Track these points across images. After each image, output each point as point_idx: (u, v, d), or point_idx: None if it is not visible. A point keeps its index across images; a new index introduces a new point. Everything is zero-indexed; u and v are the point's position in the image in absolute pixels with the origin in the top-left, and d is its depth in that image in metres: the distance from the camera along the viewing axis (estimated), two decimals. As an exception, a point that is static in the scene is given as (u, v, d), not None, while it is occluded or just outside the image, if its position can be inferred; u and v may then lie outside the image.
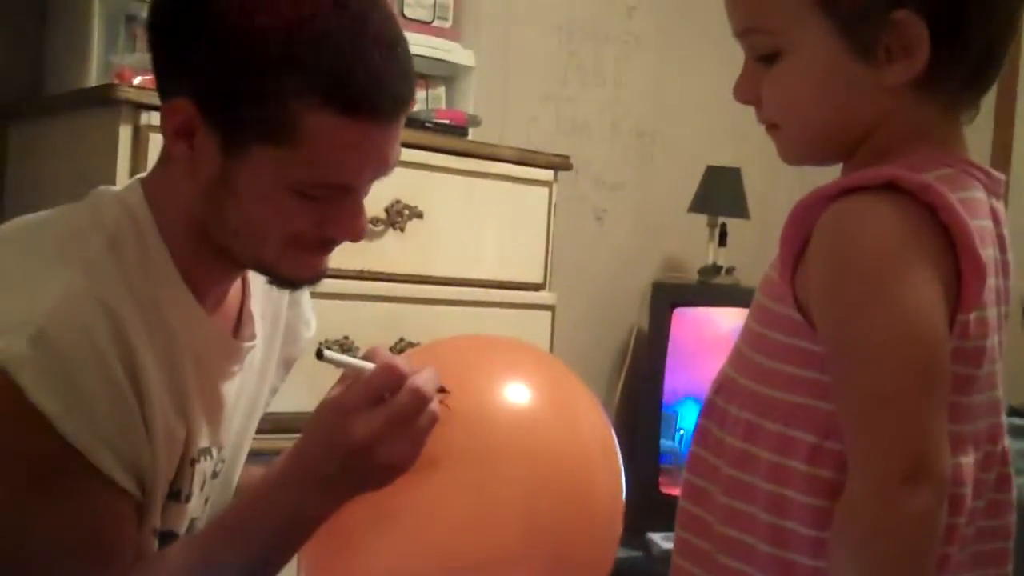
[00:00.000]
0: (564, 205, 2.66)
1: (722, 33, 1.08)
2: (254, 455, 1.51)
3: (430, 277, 2.34)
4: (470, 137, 2.52)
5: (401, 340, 2.23)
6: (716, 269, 3.21)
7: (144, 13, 1.30)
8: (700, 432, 1.10)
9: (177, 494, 1.32)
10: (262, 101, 1.19)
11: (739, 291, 3.09)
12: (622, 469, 1.38)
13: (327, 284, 1.37)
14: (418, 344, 2.11)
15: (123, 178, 1.88)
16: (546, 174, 2.53)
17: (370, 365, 1.25)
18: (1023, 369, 1.69)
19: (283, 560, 1.27)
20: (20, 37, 2.36)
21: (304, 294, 1.53)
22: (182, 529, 1.35)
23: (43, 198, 1.48)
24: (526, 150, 2.57)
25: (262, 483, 1.27)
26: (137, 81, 2.01)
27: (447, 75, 2.70)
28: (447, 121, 2.46)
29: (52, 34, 2.34)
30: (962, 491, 0.98)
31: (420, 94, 2.63)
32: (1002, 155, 3.85)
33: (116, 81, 2.04)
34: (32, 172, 2.24)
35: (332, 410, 1.23)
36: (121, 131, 1.93)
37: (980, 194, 1.01)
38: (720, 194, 3.20)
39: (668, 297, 3.13)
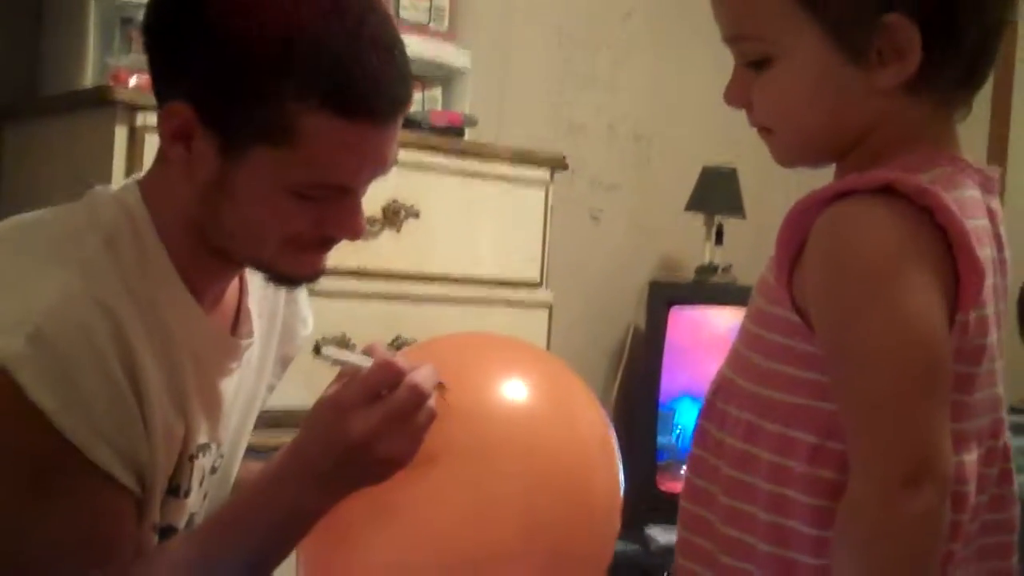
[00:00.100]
0: (561, 205, 2.66)
1: (717, 34, 1.08)
2: (251, 451, 1.52)
3: (427, 275, 2.34)
4: (466, 138, 2.52)
5: (398, 338, 2.23)
6: (712, 268, 3.22)
7: (140, 15, 1.30)
8: (700, 433, 1.10)
9: (176, 490, 1.32)
10: (260, 103, 1.19)
11: (735, 290, 3.10)
12: (620, 465, 1.38)
13: (324, 282, 1.37)
14: (415, 342, 2.11)
15: (119, 179, 1.88)
16: (542, 174, 2.54)
17: (368, 361, 1.25)
18: (1020, 368, 1.69)
19: (281, 555, 1.27)
20: (16, 38, 2.36)
21: (301, 292, 1.54)
22: (181, 524, 1.35)
23: (39, 199, 1.47)
24: (522, 150, 2.57)
25: (260, 479, 1.27)
26: (133, 82, 2.01)
27: (443, 77, 2.71)
28: (444, 122, 2.46)
29: (48, 35, 2.34)
30: (965, 488, 0.99)
31: (416, 95, 2.63)
32: (998, 152, 3.85)
33: (112, 82, 2.04)
34: (28, 173, 2.24)
35: (330, 407, 1.24)
36: (117, 132, 1.94)
37: (975, 192, 1.01)
38: (716, 194, 3.20)
39: (665, 296, 3.13)
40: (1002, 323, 1.04)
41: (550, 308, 2.53)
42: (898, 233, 0.93)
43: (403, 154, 1.33)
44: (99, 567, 1.21)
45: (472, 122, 2.55)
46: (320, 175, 1.22)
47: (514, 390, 1.35)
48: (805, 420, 0.99)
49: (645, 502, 2.82)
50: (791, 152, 1.06)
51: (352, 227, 1.29)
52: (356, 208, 1.28)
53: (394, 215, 2.26)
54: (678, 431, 3.05)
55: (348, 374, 1.27)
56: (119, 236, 1.26)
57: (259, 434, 1.53)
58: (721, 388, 1.08)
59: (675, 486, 2.97)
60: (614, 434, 1.40)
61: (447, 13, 2.67)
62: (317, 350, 1.25)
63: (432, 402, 1.23)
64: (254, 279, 1.42)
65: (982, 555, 1.04)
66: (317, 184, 1.23)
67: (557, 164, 2.57)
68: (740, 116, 1.09)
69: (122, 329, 1.21)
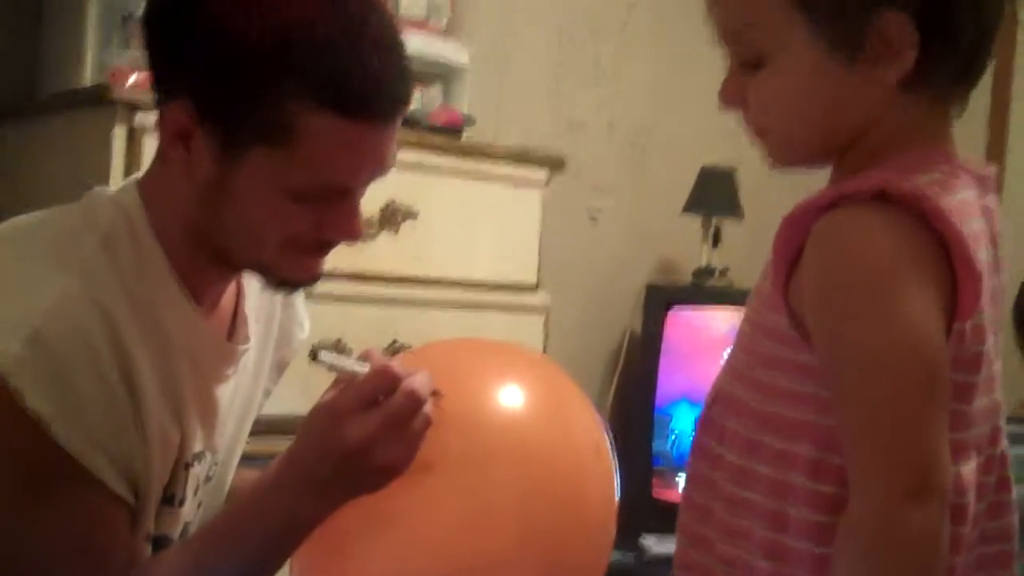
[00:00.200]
0: (558, 206, 2.66)
1: (718, 34, 1.07)
2: (247, 458, 1.51)
3: (424, 278, 2.33)
4: (465, 137, 2.52)
5: (395, 342, 2.23)
6: (710, 270, 3.21)
7: (139, 12, 1.30)
8: (698, 446, 1.09)
9: (171, 498, 1.32)
10: (259, 103, 1.19)
11: (733, 292, 3.09)
12: (616, 472, 1.38)
13: (321, 286, 1.37)
14: (411, 346, 2.11)
15: (117, 178, 1.88)
16: (540, 174, 2.53)
17: (364, 367, 1.25)
18: (1017, 376, 1.68)
19: (277, 564, 1.27)
20: (15, 36, 2.36)
21: (298, 296, 1.53)
22: (176, 533, 1.34)
23: (37, 197, 1.47)
24: (520, 150, 2.56)
25: (256, 487, 1.27)
26: (132, 81, 2.00)
27: (442, 74, 2.70)
28: (442, 122, 2.46)
29: (47, 34, 2.34)
30: (964, 500, 0.98)
31: (415, 94, 2.62)
32: (996, 152, 3.85)
33: (111, 81, 2.03)
34: (26, 171, 2.23)
35: (326, 413, 1.23)
36: (116, 131, 1.93)
37: (971, 193, 1.00)
38: (714, 195, 3.20)
39: (662, 298, 3.12)
40: (999, 326, 1.03)
41: (547, 311, 2.52)
42: (894, 240, 0.93)
43: (402, 154, 1.32)
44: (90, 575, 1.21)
45: (471, 122, 2.54)
46: (319, 175, 1.22)
47: (509, 397, 1.35)
48: (804, 434, 0.99)
49: (640, 510, 2.82)
50: (786, 153, 1.06)
51: (350, 230, 1.28)
52: (354, 210, 1.28)
53: (392, 216, 2.25)
54: (674, 436, 3.04)
55: (344, 380, 1.26)
56: (116, 238, 1.26)
57: (254, 441, 1.52)
58: (719, 400, 1.07)
59: (671, 494, 2.97)
60: (610, 441, 1.40)
61: (447, 10, 2.66)
62: (314, 355, 1.25)
63: (428, 408, 1.23)
64: (251, 284, 1.42)
65: (981, 564, 1.03)
66: (316, 184, 1.23)
67: (555, 164, 2.57)
68: (739, 116, 1.08)
69: (119, 333, 1.21)
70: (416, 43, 2.44)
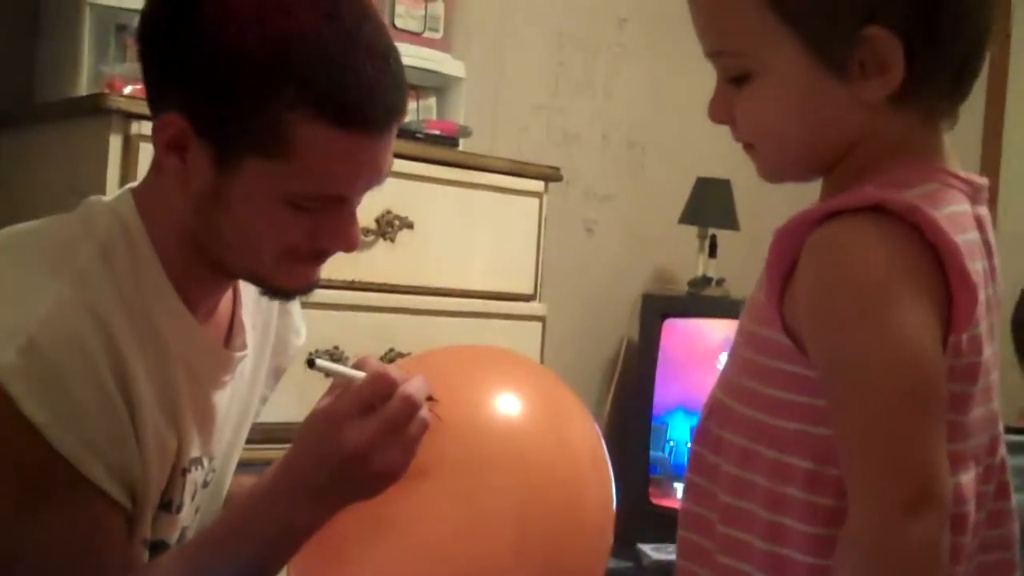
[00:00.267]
0: (554, 216, 2.66)
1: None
2: (244, 465, 1.51)
3: (420, 287, 2.33)
4: (461, 148, 2.52)
5: (391, 350, 2.23)
6: (706, 280, 3.21)
7: (135, 22, 1.30)
8: (694, 458, 1.08)
9: (168, 504, 1.32)
10: (254, 114, 1.18)
11: (729, 302, 3.09)
12: (612, 480, 1.38)
13: (317, 294, 1.37)
14: (408, 354, 2.11)
15: (113, 187, 1.88)
16: (536, 185, 2.54)
17: (360, 374, 1.25)
18: (1016, 386, 1.69)
19: (274, 570, 1.27)
20: (11, 46, 2.36)
21: (294, 303, 1.53)
22: (173, 539, 1.34)
23: (33, 207, 1.47)
24: (517, 161, 2.57)
25: (252, 493, 1.26)
26: (128, 90, 2.01)
27: (438, 86, 2.71)
28: (438, 132, 2.46)
29: (43, 43, 2.34)
30: (965, 509, 0.97)
31: (411, 105, 2.63)
32: (991, 165, 3.86)
33: (106, 90, 2.03)
34: (22, 180, 2.23)
35: (323, 419, 1.23)
36: (111, 140, 1.93)
37: (964, 205, 1.00)
38: (710, 206, 3.20)
39: (658, 308, 3.13)
40: (995, 335, 1.03)
41: (543, 321, 2.52)
42: (888, 253, 0.92)
43: (398, 164, 1.33)
44: None
45: (467, 133, 2.54)
46: (315, 185, 1.22)
47: (506, 404, 1.35)
48: (800, 446, 0.98)
49: (638, 518, 2.82)
50: (775, 168, 1.05)
51: (346, 239, 1.28)
52: (351, 219, 1.28)
53: (388, 226, 2.26)
54: (671, 445, 3.04)
55: (340, 386, 1.26)
56: (113, 246, 1.26)
57: (251, 448, 1.52)
58: (714, 411, 1.07)
59: (668, 501, 2.97)
60: (606, 448, 1.40)
61: (442, 22, 2.67)
62: (311, 363, 1.25)
63: (424, 412, 1.23)
64: (248, 291, 1.41)
65: (982, 572, 1.02)
66: (312, 195, 1.23)
67: (551, 176, 2.57)
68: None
69: (115, 341, 1.21)
70: (412, 55, 2.47)
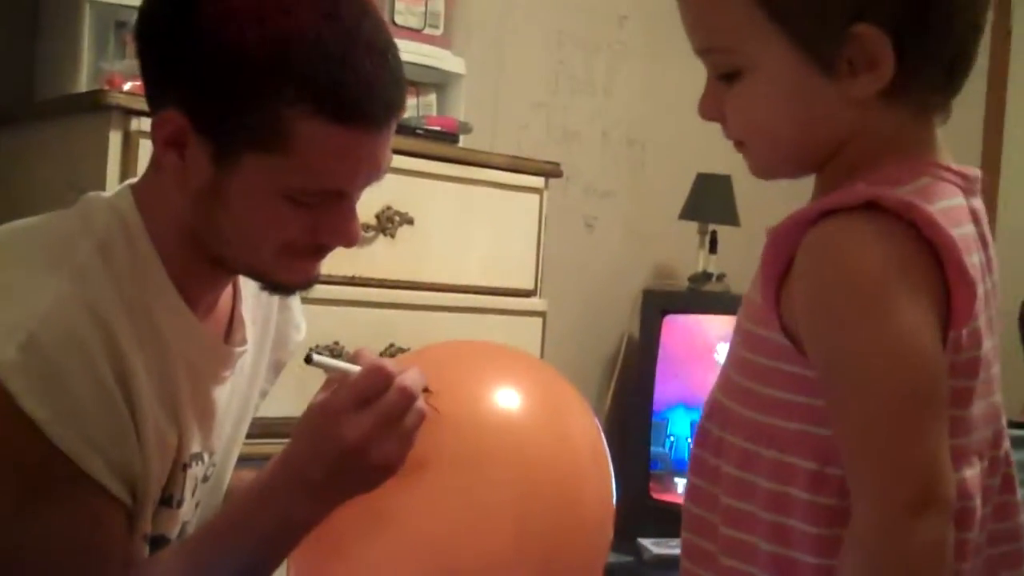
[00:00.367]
0: (555, 213, 2.66)
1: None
2: (244, 460, 1.51)
3: (421, 283, 2.33)
4: (461, 144, 2.52)
5: (391, 346, 2.23)
6: (706, 276, 3.21)
7: (134, 19, 1.30)
8: (695, 460, 1.07)
9: (169, 499, 1.32)
10: (253, 110, 1.18)
11: (729, 298, 3.09)
12: (612, 474, 1.38)
13: (318, 290, 1.37)
14: (408, 350, 2.11)
15: (113, 183, 1.88)
16: (537, 181, 2.53)
17: (357, 368, 1.25)
18: (1020, 381, 1.68)
19: (274, 565, 1.27)
20: (11, 42, 2.36)
21: (294, 298, 1.53)
22: (174, 534, 1.34)
23: (33, 203, 1.47)
24: (517, 157, 2.57)
25: (252, 488, 1.27)
26: (127, 87, 2.00)
27: (438, 82, 2.71)
28: (438, 128, 2.46)
29: (43, 40, 2.34)
30: (971, 504, 0.97)
31: (411, 101, 2.63)
32: (992, 162, 3.86)
33: (106, 87, 2.03)
34: (22, 177, 2.23)
35: (320, 414, 1.23)
36: (111, 137, 1.93)
37: (958, 198, 0.99)
38: (710, 201, 3.20)
39: (659, 304, 3.13)
40: (994, 328, 1.02)
41: (544, 316, 2.52)
42: (885, 251, 0.92)
43: (397, 160, 1.32)
44: None
45: (467, 129, 2.55)
46: (314, 181, 1.22)
47: (507, 398, 1.35)
48: (802, 446, 0.97)
49: (638, 513, 2.82)
50: (766, 165, 1.05)
51: (347, 234, 1.28)
52: (350, 215, 1.28)
53: (388, 221, 2.26)
54: (671, 440, 3.05)
55: (336, 380, 1.26)
56: (112, 243, 1.26)
57: (251, 443, 1.52)
58: (714, 413, 1.06)
59: (668, 496, 2.98)
60: (606, 443, 1.40)
61: (442, 18, 2.67)
62: (308, 359, 1.25)
63: (420, 404, 1.23)
64: (247, 286, 1.42)
65: (990, 566, 1.02)
66: (311, 190, 1.23)
67: (552, 172, 2.57)
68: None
69: (114, 337, 1.21)
70: (412, 51, 2.47)
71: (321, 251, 1.31)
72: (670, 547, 2.76)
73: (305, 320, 1.60)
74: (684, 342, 3.07)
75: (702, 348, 3.01)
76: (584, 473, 1.34)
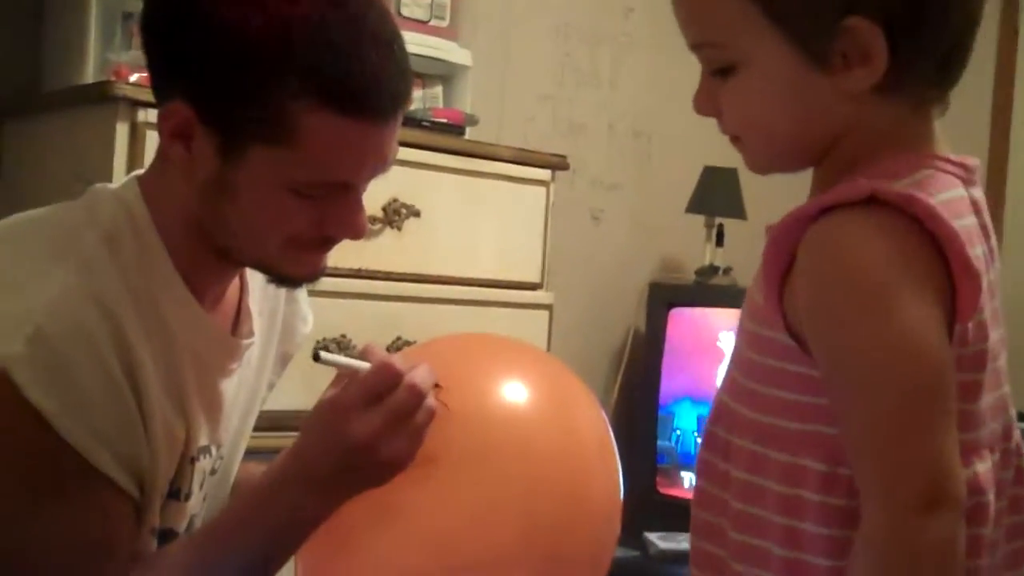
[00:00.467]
0: (561, 205, 2.66)
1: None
2: (251, 453, 1.51)
3: (427, 276, 2.33)
4: (467, 136, 2.52)
5: (398, 339, 2.23)
6: (713, 269, 3.21)
7: (141, 10, 1.29)
8: (703, 465, 1.06)
9: (177, 493, 1.32)
10: (259, 102, 1.18)
11: (736, 291, 3.08)
12: (619, 468, 1.38)
13: (324, 282, 1.37)
14: (415, 342, 2.11)
15: (120, 175, 1.88)
16: (543, 174, 2.53)
17: (366, 364, 1.25)
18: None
19: (282, 560, 1.27)
20: (17, 33, 2.36)
21: (301, 290, 1.53)
22: (181, 527, 1.34)
23: (40, 194, 1.47)
24: (523, 150, 2.57)
25: (260, 483, 1.26)
26: (134, 78, 2.00)
27: (444, 74, 2.70)
28: (444, 120, 2.46)
29: (49, 31, 2.34)
30: (984, 499, 0.96)
31: (417, 93, 2.63)
32: (999, 157, 3.85)
33: (113, 78, 2.03)
34: (29, 168, 2.23)
35: (329, 410, 1.23)
36: (118, 128, 1.93)
37: (959, 189, 0.98)
38: (717, 195, 3.20)
39: (665, 297, 3.12)
40: (1000, 319, 1.01)
41: (550, 309, 2.52)
42: (888, 246, 0.91)
43: (403, 152, 1.32)
44: (95, 571, 1.20)
45: (473, 121, 2.54)
46: (320, 173, 1.22)
47: (514, 392, 1.35)
48: (812, 447, 0.96)
49: (645, 507, 2.82)
50: (762, 159, 1.04)
51: (353, 226, 1.28)
52: (357, 207, 1.28)
53: (395, 214, 2.25)
54: (678, 434, 3.04)
55: (346, 376, 1.26)
56: (119, 234, 1.26)
57: (258, 436, 1.52)
58: (721, 416, 1.05)
59: (675, 490, 2.97)
60: (613, 437, 1.39)
61: (448, 10, 2.66)
62: (316, 357, 1.25)
63: (430, 401, 1.23)
64: (255, 278, 1.42)
65: (1010, 562, 1.01)
66: (317, 182, 1.22)
67: (558, 165, 2.57)
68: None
69: (122, 329, 1.21)
70: (418, 43, 2.47)
71: (328, 243, 1.30)
72: (676, 542, 2.76)
73: (312, 313, 1.60)
74: (691, 335, 3.07)
75: (708, 341, 3.00)
76: (591, 467, 1.34)
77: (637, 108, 3.34)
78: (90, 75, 2.16)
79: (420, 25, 2.59)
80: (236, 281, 1.40)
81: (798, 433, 0.97)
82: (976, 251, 0.95)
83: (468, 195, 2.40)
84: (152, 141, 1.60)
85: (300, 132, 1.18)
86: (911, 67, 0.95)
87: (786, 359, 0.98)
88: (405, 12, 2.56)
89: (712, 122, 1.06)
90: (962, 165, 1.00)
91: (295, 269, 1.31)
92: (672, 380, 3.04)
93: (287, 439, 1.27)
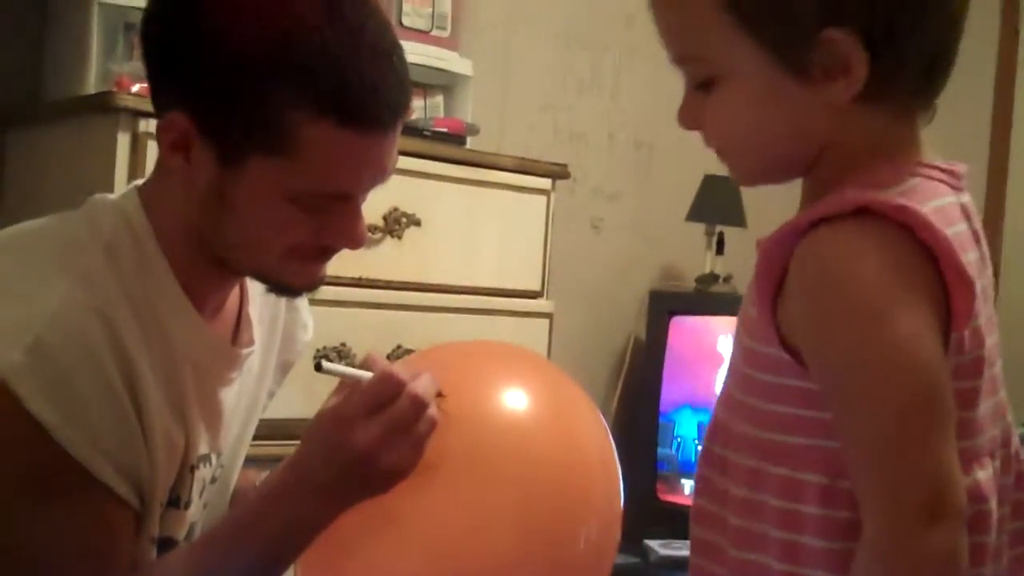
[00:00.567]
0: (562, 214, 2.66)
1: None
2: (251, 461, 1.51)
3: (428, 285, 2.34)
4: (468, 146, 2.52)
5: (399, 347, 2.23)
6: (713, 278, 3.21)
7: (143, 21, 1.30)
8: (701, 482, 1.06)
9: (177, 501, 1.32)
10: (258, 113, 1.18)
11: (736, 300, 3.04)
12: (620, 475, 1.38)
13: (325, 291, 1.37)
14: (415, 351, 2.11)
15: (121, 185, 1.88)
16: (544, 183, 2.54)
17: (368, 374, 1.25)
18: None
19: (282, 568, 1.27)
20: (19, 44, 2.36)
21: (302, 298, 1.53)
22: (181, 535, 1.34)
23: (41, 205, 1.47)
24: (524, 159, 2.57)
25: (261, 491, 1.27)
26: (135, 89, 2.01)
27: (445, 84, 2.71)
28: (445, 130, 2.46)
29: (51, 41, 2.34)
30: (986, 508, 0.96)
31: (418, 103, 2.63)
32: (999, 162, 3.85)
33: (115, 89, 2.04)
34: (30, 179, 2.24)
35: (331, 420, 1.23)
36: (119, 138, 1.94)
37: (949, 196, 0.98)
38: (717, 203, 3.20)
39: (665, 305, 3.13)
40: (995, 324, 1.01)
41: (551, 318, 2.52)
42: (880, 257, 0.91)
43: (405, 162, 1.33)
44: None
45: (474, 130, 2.55)
46: (319, 184, 1.22)
47: (514, 399, 1.35)
48: (812, 461, 0.96)
49: (645, 514, 2.81)
50: (747, 172, 1.04)
51: (353, 236, 1.28)
52: (356, 216, 1.28)
53: (395, 223, 2.26)
54: (678, 442, 3.04)
55: (348, 385, 1.26)
56: (119, 244, 1.26)
57: (258, 444, 1.52)
58: (719, 433, 1.04)
59: (675, 497, 2.97)
60: (614, 444, 1.40)
61: (449, 20, 2.67)
62: (318, 367, 1.25)
63: (432, 411, 1.23)
64: (255, 286, 1.41)
65: (1013, 568, 1.01)
66: (316, 193, 1.23)
67: (559, 174, 2.57)
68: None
69: (121, 339, 1.21)
70: (420, 53, 2.47)
71: (327, 253, 1.31)
72: (677, 548, 2.76)
73: (312, 321, 1.60)
74: (691, 343, 3.07)
75: (709, 349, 3.01)
76: (592, 474, 1.34)
77: (638, 117, 3.35)
78: (92, 85, 2.16)
79: (421, 35, 2.59)
80: (237, 290, 1.40)
81: (797, 447, 0.97)
82: (969, 257, 0.95)
83: (469, 204, 2.40)
84: (153, 151, 1.60)
85: (299, 143, 1.18)
86: (893, 76, 0.95)
87: (782, 374, 0.97)
88: (406, 22, 2.57)
89: (712, 132, 1.06)
90: (950, 172, 1.00)
91: (294, 279, 1.31)
92: (672, 388, 3.04)
93: (288, 447, 1.27)
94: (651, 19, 1.04)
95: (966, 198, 1.01)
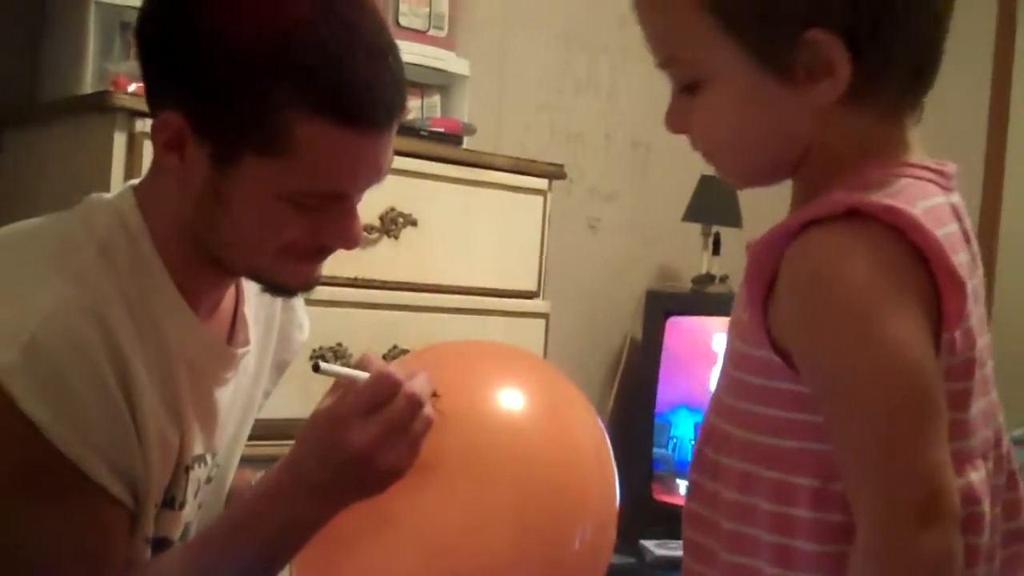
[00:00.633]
0: (558, 214, 2.66)
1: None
2: (246, 461, 1.51)
3: (424, 285, 2.34)
4: (465, 146, 2.52)
5: (395, 348, 2.23)
6: (710, 278, 3.21)
7: (138, 21, 1.30)
8: (693, 486, 1.05)
9: (172, 501, 1.32)
10: (252, 113, 1.18)
11: (732, 300, 3.07)
12: (616, 475, 1.38)
13: (321, 291, 1.37)
14: (411, 352, 2.11)
15: (117, 185, 1.88)
16: (541, 183, 2.54)
17: (364, 374, 1.25)
18: None
19: (277, 569, 1.27)
20: (16, 43, 2.36)
21: (298, 297, 1.53)
22: (176, 535, 1.34)
23: (37, 204, 1.47)
24: (521, 159, 2.57)
25: (256, 492, 1.27)
26: (132, 88, 2.01)
27: (442, 84, 2.71)
28: (442, 129, 2.46)
29: (48, 41, 2.34)
30: (978, 509, 0.95)
31: (415, 102, 2.64)
32: (995, 161, 3.85)
33: (111, 88, 2.04)
34: (27, 178, 2.23)
35: (327, 420, 1.23)
36: (116, 138, 1.94)
37: (938, 197, 0.98)
38: (714, 203, 3.20)
39: (662, 306, 3.13)
40: (986, 325, 1.01)
41: (547, 318, 2.53)
42: (870, 259, 0.90)
43: (401, 161, 1.32)
44: None
45: (471, 130, 2.55)
46: (314, 183, 1.22)
47: (510, 399, 1.35)
48: (804, 464, 0.95)
49: (641, 514, 2.82)
50: (733, 174, 1.04)
51: (348, 235, 1.28)
52: (352, 216, 1.28)
53: (392, 223, 2.26)
54: (674, 442, 3.05)
55: (343, 385, 1.26)
56: (114, 244, 1.26)
57: (253, 444, 1.52)
58: (711, 437, 1.04)
59: (671, 498, 2.98)
60: (610, 444, 1.40)
61: (446, 20, 2.67)
62: (316, 367, 1.25)
63: (428, 410, 1.23)
64: (251, 286, 1.41)
65: (1006, 568, 1.01)
66: (311, 192, 1.22)
67: (556, 174, 2.57)
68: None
69: (116, 339, 1.21)
70: (416, 53, 2.47)
71: (322, 253, 1.31)
72: (672, 549, 2.76)
73: (308, 321, 1.60)
74: (687, 343, 3.07)
75: (705, 349, 3.00)
76: (587, 474, 1.34)
77: (634, 117, 3.35)
78: (88, 85, 2.16)
79: (418, 35, 2.59)
80: (232, 289, 1.40)
81: (789, 451, 0.97)
82: (960, 258, 0.95)
83: (465, 204, 2.40)
84: (149, 151, 1.60)
85: (293, 142, 1.18)
86: (878, 76, 0.95)
87: (774, 377, 0.97)
88: (403, 22, 2.57)
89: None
90: (940, 171, 0.99)
91: (289, 279, 1.31)
92: (669, 388, 3.04)
93: (283, 447, 1.27)
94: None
95: (956, 198, 1.00)
